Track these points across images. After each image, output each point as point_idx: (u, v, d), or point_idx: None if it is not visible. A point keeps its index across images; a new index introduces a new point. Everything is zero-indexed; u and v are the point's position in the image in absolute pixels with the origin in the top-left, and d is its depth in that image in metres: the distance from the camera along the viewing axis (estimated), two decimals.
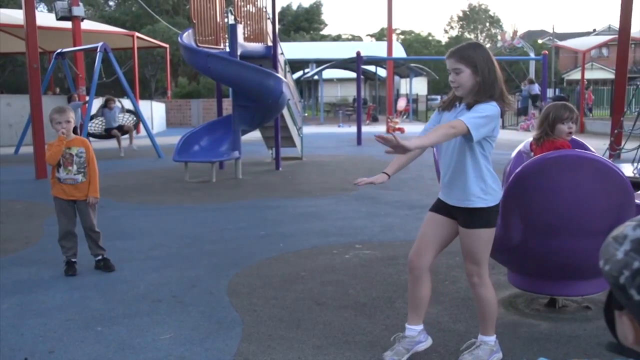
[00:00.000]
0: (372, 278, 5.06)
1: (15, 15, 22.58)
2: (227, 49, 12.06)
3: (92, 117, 16.78)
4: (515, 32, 29.83)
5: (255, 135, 14.49)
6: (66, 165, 5.26)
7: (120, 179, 11.23)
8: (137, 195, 9.57)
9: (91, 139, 14.52)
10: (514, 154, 4.81)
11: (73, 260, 5.36)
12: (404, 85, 42.22)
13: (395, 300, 4.51)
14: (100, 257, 5.43)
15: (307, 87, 45.74)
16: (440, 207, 3.40)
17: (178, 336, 3.90)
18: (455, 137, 3.07)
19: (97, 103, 16.87)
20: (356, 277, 5.10)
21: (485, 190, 3.22)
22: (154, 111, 26.54)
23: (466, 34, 72.29)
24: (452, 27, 78.41)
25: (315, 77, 37.64)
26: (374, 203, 8.49)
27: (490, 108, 3.09)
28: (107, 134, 16.76)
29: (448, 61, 3.19)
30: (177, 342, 3.79)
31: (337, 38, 70.89)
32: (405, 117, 31.82)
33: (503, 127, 22.68)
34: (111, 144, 16.99)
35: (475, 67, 3.13)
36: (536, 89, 22.76)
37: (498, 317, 3.58)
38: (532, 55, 28.51)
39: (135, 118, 17.80)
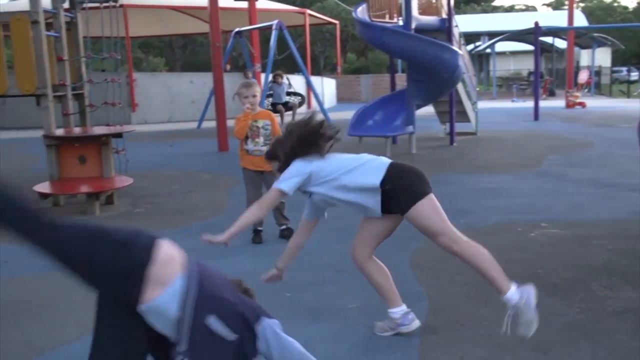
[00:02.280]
0: (561, 258, 4.80)
1: None
2: (401, 23, 11.96)
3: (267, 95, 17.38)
4: None
5: (428, 110, 14.29)
6: (253, 137, 5.49)
7: None
8: None
9: None
10: None
11: (259, 228, 5.61)
12: (584, 57, 39.63)
13: (590, 283, 4.24)
14: (284, 227, 5.63)
15: (478, 61, 44.37)
16: None
17: (364, 306, 3.94)
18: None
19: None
20: (544, 256, 4.86)
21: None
22: (325, 87, 27.10)
23: None
24: None
25: (487, 50, 36.42)
26: (558, 180, 8.05)
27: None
28: (273, 108, 17.22)
29: None
30: (363, 312, 3.84)
31: (510, 9, 67.99)
32: (586, 90, 29.88)
33: None
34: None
35: None
36: None
37: None
38: None
39: (300, 98, 18.21)
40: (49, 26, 7.66)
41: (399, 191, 3.23)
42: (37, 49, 7.23)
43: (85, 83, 8.29)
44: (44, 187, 7.08)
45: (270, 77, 17.18)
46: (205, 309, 2.36)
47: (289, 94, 17.79)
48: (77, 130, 7.98)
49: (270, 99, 17.37)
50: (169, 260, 2.39)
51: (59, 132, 7.62)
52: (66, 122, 8.02)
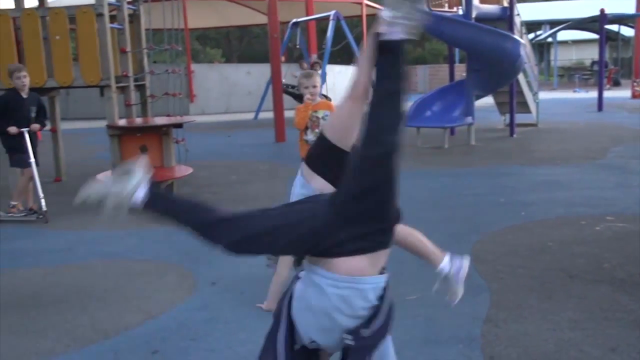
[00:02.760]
0: (629, 253, 4.65)
1: None
2: (461, 12, 11.77)
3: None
4: None
5: (487, 101, 14.06)
6: (313, 128, 5.49)
7: None
8: None
9: None
10: None
11: None
12: None
13: None
14: None
15: (538, 51, 43.31)
16: None
17: (424, 298, 3.90)
18: None
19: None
20: (610, 250, 4.72)
21: None
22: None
23: None
24: None
25: (549, 39, 35.51)
26: (624, 173, 7.80)
27: None
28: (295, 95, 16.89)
29: None
30: (423, 304, 3.80)
31: None
32: None
33: None
34: None
35: None
36: None
37: None
38: None
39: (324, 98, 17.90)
40: (112, 19, 7.82)
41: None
42: (102, 41, 7.40)
43: (147, 74, 8.44)
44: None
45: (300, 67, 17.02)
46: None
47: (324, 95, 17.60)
48: (138, 121, 8.14)
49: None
50: None
51: (122, 122, 7.79)
52: (128, 112, 8.19)
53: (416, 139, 11.15)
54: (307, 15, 19.66)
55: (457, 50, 13.77)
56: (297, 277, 2.25)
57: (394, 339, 3.30)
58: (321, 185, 2.78)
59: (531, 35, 38.17)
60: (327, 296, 2.06)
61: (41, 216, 6.31)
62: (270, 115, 13.56)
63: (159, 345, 3.32)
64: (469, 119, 11.08)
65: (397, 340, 3.29)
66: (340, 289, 2.05)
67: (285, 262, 3.68)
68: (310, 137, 5.50)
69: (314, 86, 5.41)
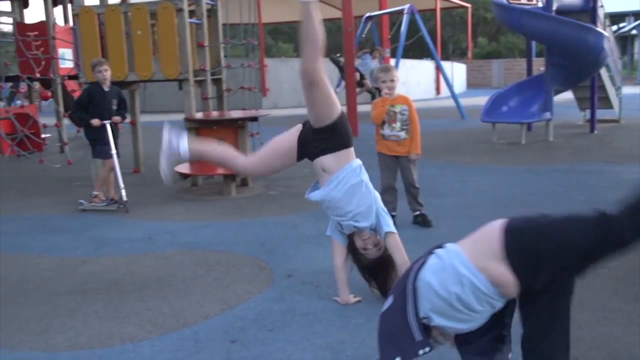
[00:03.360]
0: None
1: None
2: (541, 4, 11.45)
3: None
4: None
5: (565, 96, 13.64)
6: (390, 122, 5.45)
7: (427, 139, 11.41)
8: (445, 154, 9.66)
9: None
10: None
11: (393, 214, 5.56)
12: None
13: None
14: (418, 212, 5.57)
15: (621, 43, 41.72)
16: None
17: None
18: None
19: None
20: None
21: None
22: (455, 72, 26.57)
23: None
24: None
25: (633, 31, 34.16)
26: None
27: None
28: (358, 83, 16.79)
29: None
30: None
31: None
32: None
33: None
34: None
35: None
36: None
37: None
38: None
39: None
40: (191, 14, 7.99)
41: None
42: (181, 35, 7.57)
43: (224, 68, 8.58)
44: (184, 168, 7.42)
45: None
46: None
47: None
48: (215, 114, 8.29)
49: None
50: None
51: (199, 115, 7.95)
52: (205, 106, 8.35)
53: (491, 134, 10.93)
54: (381, 9, 19.53)
55: (534, 44, 13.37)
56: (431, 252, 2.45)
57: None
58: None
59: (614, 28, 36.91)
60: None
61: (122, 206, 6.51)
62: (342, 109, 13.55)
63: (238, 334, 3.37)
64: (548, 115, 10.77)
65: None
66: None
67: (338, 252, 3.80)
68: (387, 131, 5.47)
69: (392, 80, 5.37)
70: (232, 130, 7.72)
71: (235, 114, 8.15)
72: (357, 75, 16.21)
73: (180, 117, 7.92)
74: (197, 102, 8.00)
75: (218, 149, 3.79)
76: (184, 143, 3.57)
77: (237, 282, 4.22)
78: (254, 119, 7.97)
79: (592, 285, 3.93)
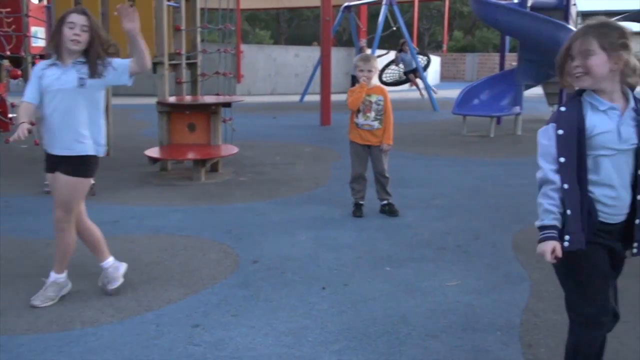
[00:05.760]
0: None
1: None
2: (516, 0, 11.55)
3: (384, 67, 17.56)
4: None
5: (534, 91, 13.81)
6: (365, 111, 5.49)
7: (399, 129, 11.46)
8: (416, 145, 9.73)
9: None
10: None
11: (361, 202, 5.63)
12: None
13: None
14: (386, 202, 5.63)
15: None
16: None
17: (464, 285, 3.89)
18: None
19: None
20: None
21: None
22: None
23: None
24: None
25: None
26: None
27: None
28: (406, 77, 17.41)
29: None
30: (463, 290, 3.79)
31: None
32: None
33: None
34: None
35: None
36: None
37: None
38: None
39: (426, 59, 18.39)
40: None
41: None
42: (158, 18, 7.49)
43: (200, 53, 8.52)
44: (153, 152, 7.37)
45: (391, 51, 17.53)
46: None
47: (420, 53, 18.11)
48: (188, 99, 8.24)
49: (398, 70, 17.67)
50: None
51: (172, 99, 7.89)
52: (178, 90, 8.29)
53: (461, 127, 11.04)
54: None
55: (508, 39, 13.51)
56: None
57: (434, 324, 3.31)
58: None
59: None
60: None
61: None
62: (316, 98, 13.58)
63: (200, 319, 3.38)
64: (517, 109, 10.91)
65: (436, 325, 3.31)
66: None
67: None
68: (361, 120, 5.51)
69: (369, 70, 5.42)
70: (205, 115, 7.69)
71: (209, 99, 8.11)
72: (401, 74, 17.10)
73: (152, 100, 7.86)
74: (171, 86, 7.94)
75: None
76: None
77: (202, 267, 4.23)
78: (227, 104, 7.94)
79: (551, 274, 4.00)
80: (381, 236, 4.96)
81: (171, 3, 7.90)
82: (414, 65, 17.18)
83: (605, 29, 2.29)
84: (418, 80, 17.87)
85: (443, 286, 3.87)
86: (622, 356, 2.97)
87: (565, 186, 2.34)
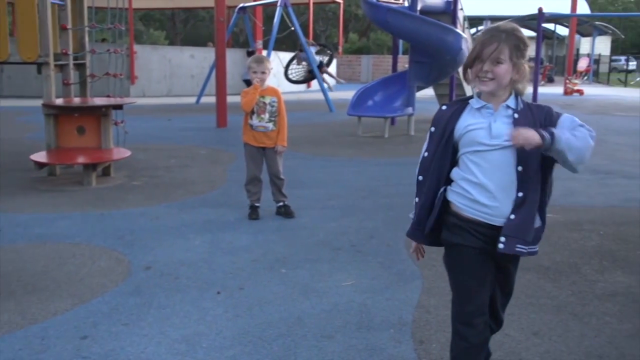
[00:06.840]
0: (554, 242, 4.83)
1: None
2: (407, 4, 11.90)
3: (287, 65, 17.77)
4: None
5: (427, 92, 14.26)
6: (259, 113, 5.47)
7: (294, 131, 11.56)
8: (311, 146, 9.82)
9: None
10: None
11: (257, 205, 5.61)
12: (584, 45, 39.48)
13: (581, 267, 4.30)
14: (281, 204, 5.64)
15: None
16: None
17: (359, 284, 3.96)
18: None
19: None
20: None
21: None
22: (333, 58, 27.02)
23: None
24: None
25: None
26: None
27: None
28: (311, 74, 17.68)
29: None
30: (358, 290, 3.85)
31: None
32: (585, 78, 29.81)
33: None
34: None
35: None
36: None
37: None
38: None
39: (329, 52, 18.83)
40: None
41: None
42: (41, 16, 7.17)
43: (88, 53, 8.22)
44: (40, 157, 7.05)
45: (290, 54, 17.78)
46: None
47: (317, 53, 18.32)
48: (77, 101, 7.93)
49: (305, 66, 17.89)
50: None
51: (59, 101, 7.57)
52: (66, 91, 7.96)
53: (357, 127, 11.24)
54: (255, 0, 19.49)
55: (400, 42, 13.90)
56: None
57: (329, 324, 3.35)
58: None
59: (473, 30, 38.91)
60: None
61: None
62: (212, 100, 13.43)
63: (89, 330, 3.26)
64: (410, 110, 11.23)
65: (331, 326, 3.35)
66: None
67: None
68: (255, 122, 5.49)
69: (263, 72, 5.40)
70: (95, 118, 7.44)
71: (99, 101, 7.85)
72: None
73: (39, 102, 7.50)
74: (58, 88, 7.61)
75: None
76: None
77: (92, 275, 4.08)
78: (119, 106, 7.71)
79: (442, 271, 4.16)
80: (277, 238, 4.97)
81: (55, 1, 7.58)
82: (318, 61, 17.53)
83: (517, 41, 2.31)
84: (325, 75, 18.19)
85: (338, 286, 3.92)
86: (506, 347, 3.12)
87: (420, 178, 2.46)
